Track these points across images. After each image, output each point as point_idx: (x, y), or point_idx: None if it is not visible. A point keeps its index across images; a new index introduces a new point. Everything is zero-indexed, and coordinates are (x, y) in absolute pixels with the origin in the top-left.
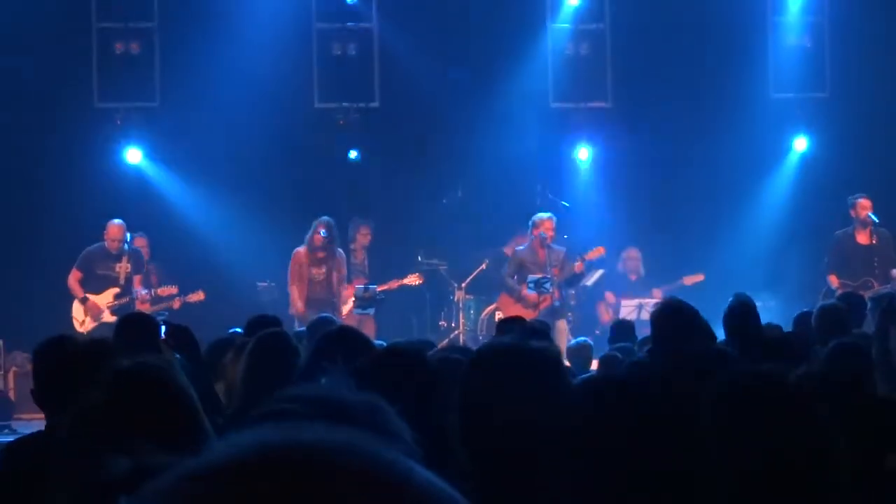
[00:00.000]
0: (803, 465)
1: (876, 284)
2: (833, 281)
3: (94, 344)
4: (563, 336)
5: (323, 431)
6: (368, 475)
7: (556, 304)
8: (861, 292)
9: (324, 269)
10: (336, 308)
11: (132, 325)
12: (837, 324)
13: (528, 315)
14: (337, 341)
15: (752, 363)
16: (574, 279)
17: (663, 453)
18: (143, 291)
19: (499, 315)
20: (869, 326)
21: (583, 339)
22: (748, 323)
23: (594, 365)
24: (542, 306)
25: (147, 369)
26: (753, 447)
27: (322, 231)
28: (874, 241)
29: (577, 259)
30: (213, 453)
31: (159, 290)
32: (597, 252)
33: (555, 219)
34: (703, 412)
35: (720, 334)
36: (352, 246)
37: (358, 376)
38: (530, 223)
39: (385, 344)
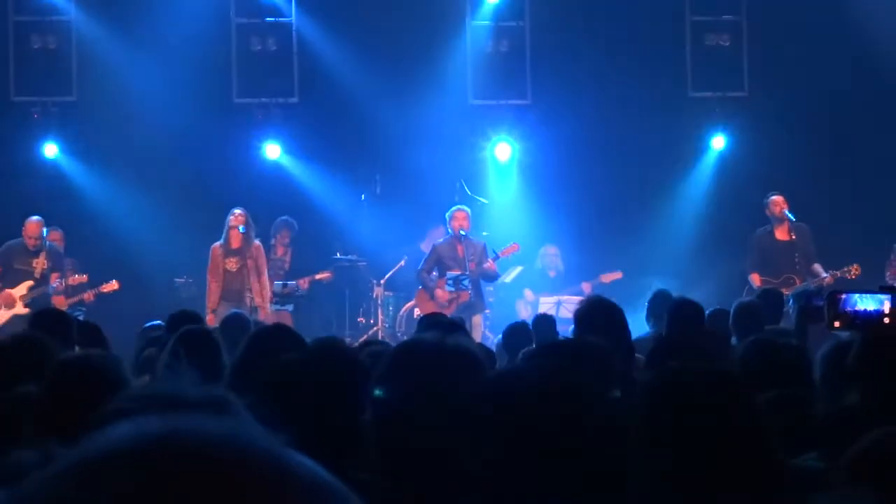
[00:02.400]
0: (742, 459)
1: (798, 280)
2: (755, 279)
3: (17, 341)
4: (478, 331)
5: (202, 420)
6: (248, 461)
7: (472, 299)
8: (783, 289)
9: (236, 259)
10: (248, 300)
11: (46, 320)
12: (753, 320)
13: (444, 311)
14: (272, 338)
15: (663, 360)
16: (490, 275)
17: (567, 447)
18: (56, 283)
19: (417, 312)
20: (788, 322)
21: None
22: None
23: None
24: (459, 301)
25: (91, 361)
26: (691, 441)
27: (235, 222)
28: (793, 237)
29: (490, 257)
30: (90, 444)
31: (70, 280)
32: (511, 249)
33: (468, 210)
34: (637, 406)
35: (636, 330)
36: (272, 242)
37: (292, 373)
38: (446, 217)
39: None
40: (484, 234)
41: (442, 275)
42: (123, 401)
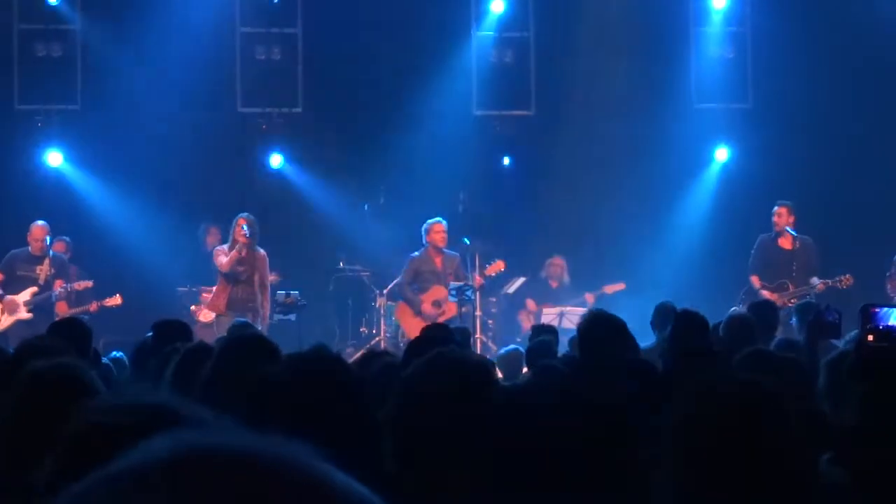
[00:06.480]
0: (778, 472)
1: (791, 287)
2: (755, 281)
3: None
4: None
5: (242, 435)
6: (291, 476)
7: (458, 313)
8: (775, 293)
9: (245, 268)
10: (258, 310)
11: (64, 330)
12: (746, 333)
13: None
14: (240, 349)
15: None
16: (463, 288)
17: (582, 457)
18: (61, 289)
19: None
20: (789, 333)
21: (513, 347)
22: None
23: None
24: (443, 318)
25: (63, 370)
26: (727, 455)
27: (244, 226)
28: (796, 247)
29: (477, 273)
30: (124, 458)
31: (75, 285)
32: (496, 267)
33: (445, 223)
34: (671, 419)
35: (642, 341)
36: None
37: (265, 386)
38: (423, 230)
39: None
40: (465, 241)
41: (421, 289)
42: (105, 412)
